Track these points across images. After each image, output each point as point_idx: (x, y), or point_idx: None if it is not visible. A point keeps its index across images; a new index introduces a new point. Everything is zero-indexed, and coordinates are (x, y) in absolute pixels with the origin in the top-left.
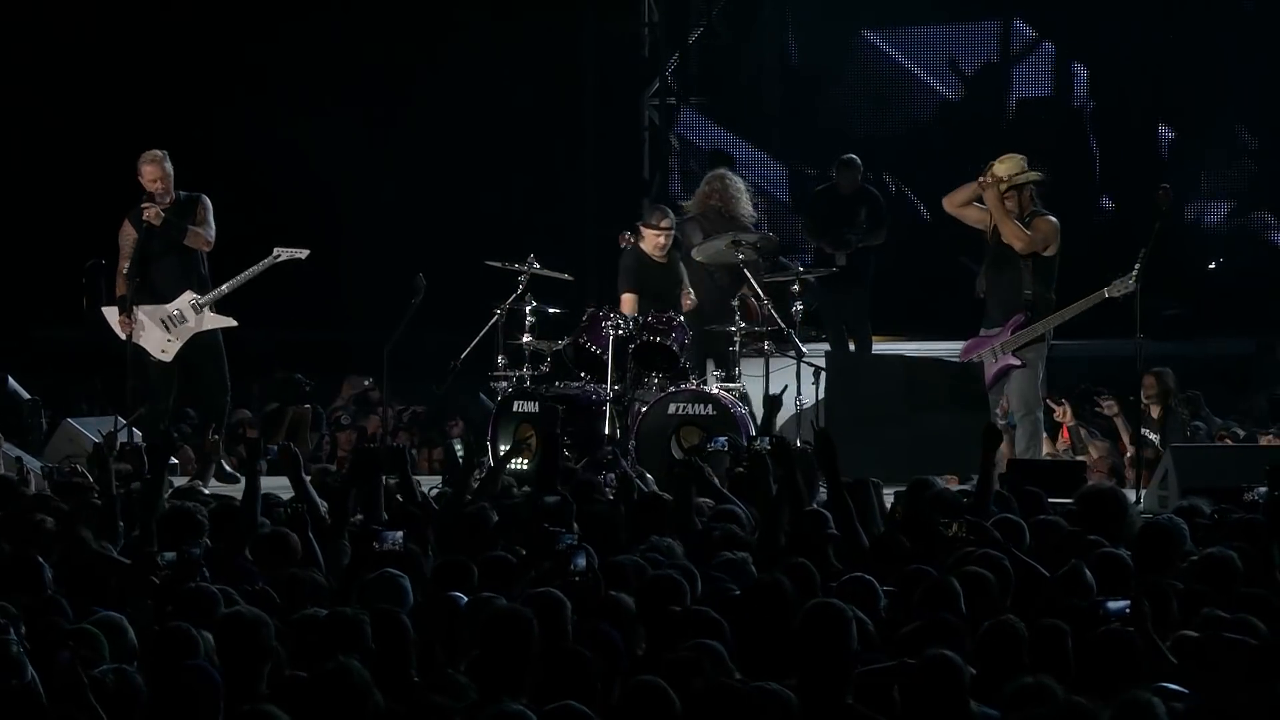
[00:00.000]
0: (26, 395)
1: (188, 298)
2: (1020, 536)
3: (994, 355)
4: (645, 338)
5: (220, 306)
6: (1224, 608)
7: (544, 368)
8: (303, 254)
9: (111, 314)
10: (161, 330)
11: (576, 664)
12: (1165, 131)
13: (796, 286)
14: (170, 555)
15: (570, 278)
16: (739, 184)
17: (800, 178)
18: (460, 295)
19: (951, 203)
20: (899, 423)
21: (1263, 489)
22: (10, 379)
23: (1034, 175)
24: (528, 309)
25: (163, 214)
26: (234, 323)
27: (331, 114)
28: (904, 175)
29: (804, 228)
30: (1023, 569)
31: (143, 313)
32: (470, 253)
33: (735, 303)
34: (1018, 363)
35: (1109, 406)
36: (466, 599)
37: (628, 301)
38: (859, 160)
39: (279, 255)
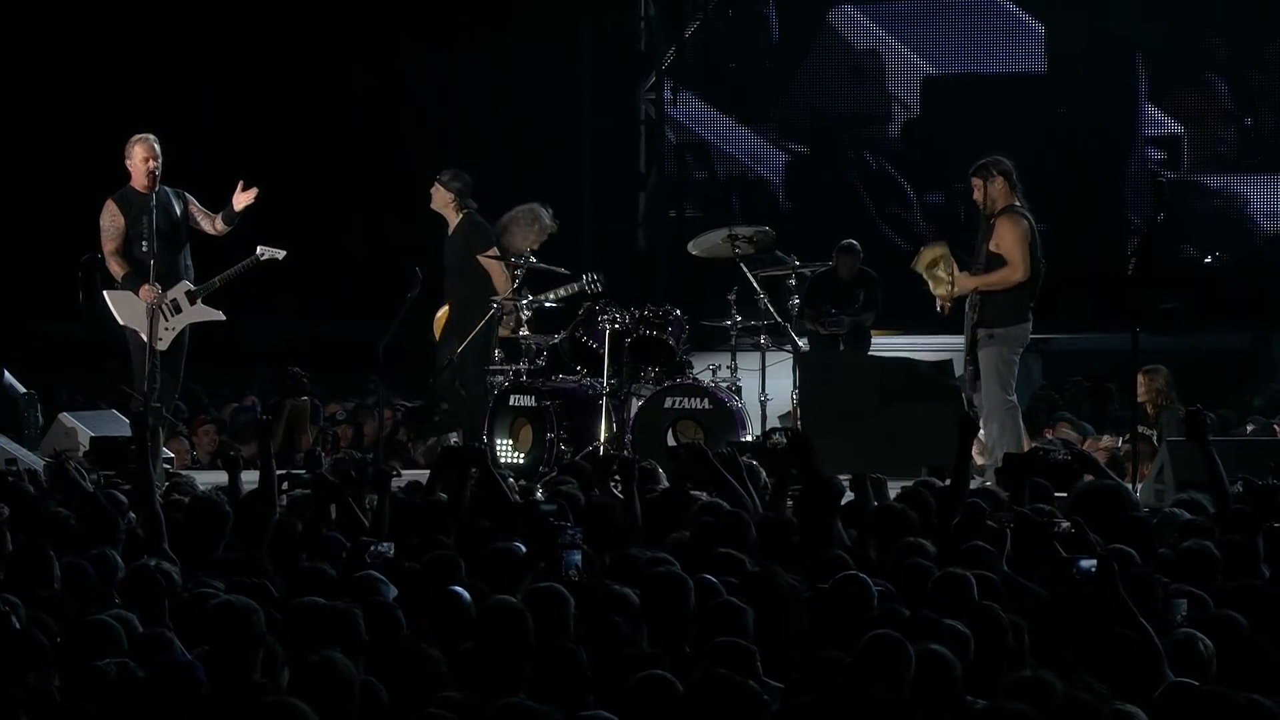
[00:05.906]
0: (22, 389)
1: (183, 287)
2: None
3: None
4: (642, 332)
5: (207, 299)
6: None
7: (540, 362)
8: (280, 254)
9: (122, 298)
10: (160, 317)
11: (572, 661)
12: (1153, 110)
13: (793, 280)
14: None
15: (566, 272)
16: (534, 220)
17: (796, 158)
18: None
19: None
20: (873, 418)
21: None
22: (6, 372)
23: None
24: (524, 303)
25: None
26: (223, 316)
27: (328, 107)
28: (888, 153)
29: (797, 313)
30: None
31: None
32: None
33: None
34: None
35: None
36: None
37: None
38: (859, 245)
39: (262, 254)
